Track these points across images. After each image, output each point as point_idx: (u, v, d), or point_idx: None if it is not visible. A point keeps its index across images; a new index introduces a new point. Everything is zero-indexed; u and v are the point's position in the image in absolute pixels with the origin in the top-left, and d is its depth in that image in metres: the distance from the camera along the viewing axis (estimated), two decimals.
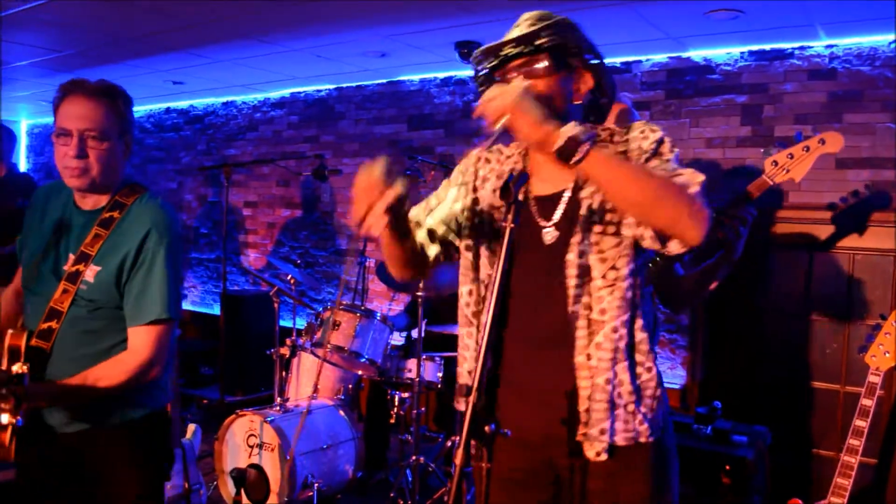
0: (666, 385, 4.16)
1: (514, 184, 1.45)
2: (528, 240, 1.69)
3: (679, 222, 1.50)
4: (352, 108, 5.95)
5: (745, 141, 4.26)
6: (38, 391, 1.88)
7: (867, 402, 2.77)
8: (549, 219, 1.69)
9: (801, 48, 4.13)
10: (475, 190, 1.83)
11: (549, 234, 1.69)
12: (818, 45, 4.08)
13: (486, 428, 1.40)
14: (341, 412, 3.92)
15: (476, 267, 1.78)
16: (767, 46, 4.22)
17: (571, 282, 1.64)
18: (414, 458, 3.73)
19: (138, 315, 1.97)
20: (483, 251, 1.78)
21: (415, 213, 1.87)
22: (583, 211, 1.66)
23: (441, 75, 5.45)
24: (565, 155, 1.46)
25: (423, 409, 3.93)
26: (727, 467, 2.87)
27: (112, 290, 1.98)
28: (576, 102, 1.72)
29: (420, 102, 5.56)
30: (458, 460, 1.37)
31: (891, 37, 3.88)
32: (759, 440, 3.00)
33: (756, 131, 4.23)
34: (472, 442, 1.38)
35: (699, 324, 4.38)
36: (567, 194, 1.69)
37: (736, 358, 4.30)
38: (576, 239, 1.65)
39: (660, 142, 1.64)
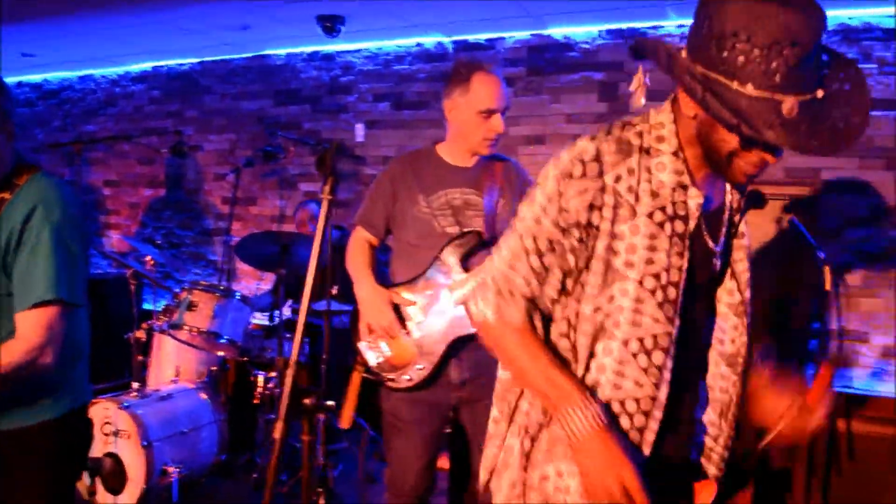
0: None
1: (334, 154, 1.43)
2: (701, 260, 1.47)
3: None
4: (216, 82, 5.76)
5: (603, 117, 4.40)
6: None
7: None
8: (716, 240, 1.49)
9: (654, 27, 4.30)
10: (614, 237, 1.38)
11: (718, 262, 1.52)
12: (670, 25, 4.25)
13: (307, 401, 1.40)
14: (203, 395, 3.81)
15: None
16: (623, 25, 4.36)
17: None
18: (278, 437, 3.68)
19: (23, 298, 1.81)
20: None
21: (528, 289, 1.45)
22: (745, 242, 1.55)
23: (308, 50, 5.34)
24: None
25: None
26: None
27: (0, 275, 1.83)
28: None
29: (287, 77, 5.44)
30: (277, 434, 1.37)
31: None
32: None
33: (612, 107, 4.38)
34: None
35: None
36: (726, 213, 1.53)
37: None
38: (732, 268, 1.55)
39: None
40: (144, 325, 3.78)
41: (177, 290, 3.79)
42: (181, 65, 5.94)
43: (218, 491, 3.79)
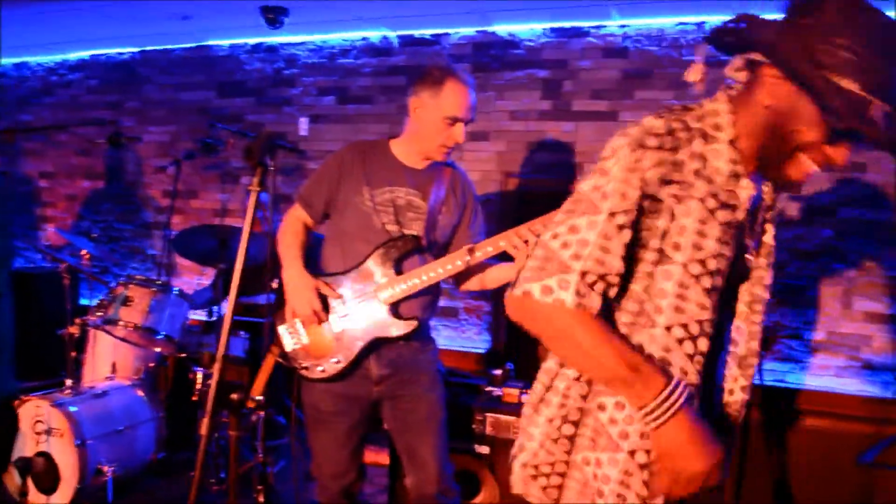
0: (471, 350, 4.28)
1: (262, 144, 1.40)
2: (739, 254, 1.48)
3: None
4: (157, 72, 5.63)
5: (546, 114, 4.44)
6: None
7: None
8: (752, 237, 1.51)
9: (598, 27, 4.35)
10: (672, 217, 1.37)
11: (750, 259, 1.54)
12: (612, 25, 4.31)
13: (234, 396, 1.38)
14: (140, 392, 3.74)
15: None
16: (567, 24, 4.40)
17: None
18: (217, 434, 3.64)
19: None
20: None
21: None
22: (769, 240, 1.56)
23: (251, 41, 5.26)
24: None
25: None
26: (516, 423, 3.01)
27: None
28: None
29: (230, 69, 5.35)
30: (203, 430, 1.35)
31: (676, 19, 4.16)
32: None
33: (555, 105, 4.42)
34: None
35: (504, 290, 4.55)
36: (761, 213, 1.54)
37: None
38: (758, 275, 1.57)
39: None
40: (78, 321, 3.69)
41: (113, 284, 3.70)
42: (121, 54, 5.79)
43: (156, 490, 3.72)
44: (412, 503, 2.60)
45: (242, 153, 1.35)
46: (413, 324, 2.43)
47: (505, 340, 4.54)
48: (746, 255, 1.50)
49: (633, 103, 4.27)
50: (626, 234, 1.33)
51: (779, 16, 1.32)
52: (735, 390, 1.59)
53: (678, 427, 1.31)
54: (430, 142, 2.45)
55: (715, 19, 4.06)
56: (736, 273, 1.46)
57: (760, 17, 1.33)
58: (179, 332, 3.66)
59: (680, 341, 1.37)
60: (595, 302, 1.33)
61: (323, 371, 2.46)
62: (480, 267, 2.53)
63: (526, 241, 2.30)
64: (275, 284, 3.61)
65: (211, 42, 5.39)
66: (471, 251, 2.40)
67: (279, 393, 4.13)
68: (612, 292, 1.36)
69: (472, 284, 2.65)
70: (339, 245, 2.54)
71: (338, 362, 2.44)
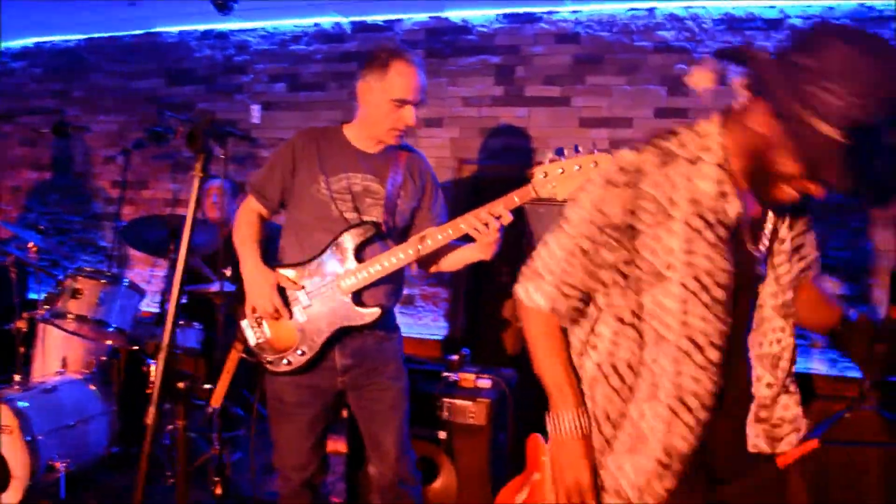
0: (429, 336, 4.27)
1: (204, 129, 1.37)
2: (743, 264, 1.56)
3: None
4: (105, 60, 5.51)
5: (499, 100, 4.45)
6: None
7: None
8: (757, 245, 1.60)
9: (549, 13, 4.37)
10: (658, 240, 1.52)
11: (762, 266, 1.63)
12: (564, 11, 4.33)
13: (180, 385, 1.37)
14: (91, 386, 3.67)
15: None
16: (519, 10, 4.41)
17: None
18: (171, 427, 3.60)
19: None
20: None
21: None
22: (786, 247, 1.62)
23: (201, 28, 5.18)
24: None
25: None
26: (471, 407, 3.03)
27: None
28: None
29: (179, 56, 5.26)
30: (149, 420, 1.34)
31: (627, 5, 4.20)
32: (505, 382, 3.19)
33: (508, 91, 4.44)
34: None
35: (460, 277, 4.57)
36: (769, 224, 1.62)
37: (494, 308, 4.54)
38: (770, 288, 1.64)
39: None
40: (25, 315, 3.60)
41: (61, 277, 3.62)
42: (66, 41, 5.65)
43: (109, 484, 3.66)
44: (375, 492, 2.59)
45: (186, 139, 1.32)
46: (376, 311, 2.40)
47: (462, 327, 4.56)
48: (755, 265, 1.58)
49: (585, 88, 4.30)
50: (593, 257, 1.54)
51: (782, 48, 1.36)
52: (763, 388, 1.64)
53: (558, 443, 1.60)
54: (381, 126, 2.42)
55: (664, 6, 4.11)
56: (743, 282, 1.54)
57: (761, 50, 1.39)
58: (131, 325, 3.59)
59: (689, 353, 1.49)
60: (562, 311, 1.60)
61: (288, 364, 2.44)
62: (445, 249, 2.49)
63: (486, 224, 2.29)
64: (227, 272, 3.59)
65: (159, 29, 5.29)
66: (422, 239, 2.39)
67: (236, 385, 4.09)
68: (581, 305, 1.61)
69: (436, 267, 2.62)
70: (296, 235, 2.51)
71: (302, 354, 2.42)
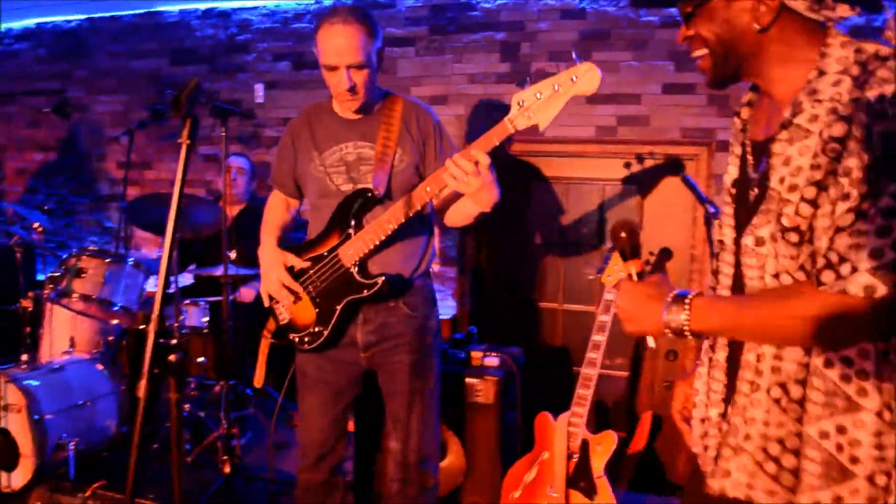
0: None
1: (188, 94, 1.34)
2: (742, 195, 1.40)
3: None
4: (107, 41, 5.47)
5: (504, 77, 4.40)
6: None
7: (604, 319, 3.01)
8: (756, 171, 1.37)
9: None
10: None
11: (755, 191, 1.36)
12: None
13: (172, 357, 1.37)
14: (99, 366, 3.69)
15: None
16: None
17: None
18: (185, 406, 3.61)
19: None
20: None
21: None
22: (773, 182, 1.28)
23: (202, 6, 5.13)
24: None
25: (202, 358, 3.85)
26: (478, 385, 3.02)
27: None
28: (760, 28, 1.28)
29: (181, 36, 5.22)
30: (140, 393, 1.34)
31: None
32: (512, 360, 3.18)
33: (513, 68, 4.39)
34: None
35: (467, 256, 4.56)
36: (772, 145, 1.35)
37: (502, 287, 4.54)
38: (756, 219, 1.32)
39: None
40: (31, 294, 3.61)
41: (64, 256, 3.62)
42: (68, 22, 5.61)
43: (119, 463, 3.68)
44: (394, 466, 2.55)
45: (171, 104, 1.29)
46: (379, 280, 2.35)
47: (470, 306, 4.56)
48: (750, 189, 1.41)
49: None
50: None
51: None
52: None
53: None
54: (332, 94, 2.39)
55: None
56: (743, 205, 1.42)
57: None
58: (137, 304, 3.60)
59: None
60: None
61: (310, 341, 2.44)
62: (451, 201, 2.43)
63: (466, 173, 2.08)
64: (232, 255, 3.58)
65: (160, 8, 5.24)
66: (408, 199, 2.25)
67: (245, 366, 4.10)
68: None
69: (449, 221, 2.53)
70: (311, 215, 2.53)
71: (320, 330, 2.42)
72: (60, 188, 5.73)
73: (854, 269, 1.13)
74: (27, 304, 3.57)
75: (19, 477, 3.28)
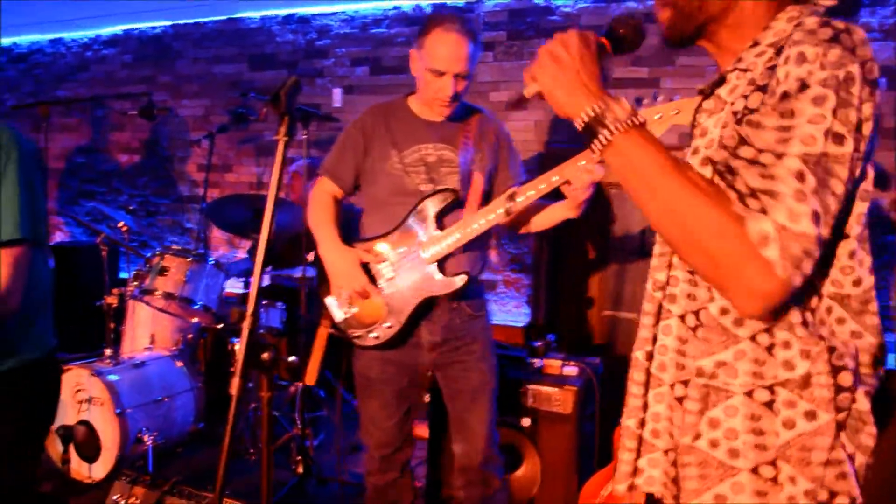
0: (511, 323, 4.21)
1: (288, 91, 1.33)
2: None
3: (715, 278, 1.05)
4: (189, 46, 5.62)
5: None
6: None
7: None
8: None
9: None
10: None
11: None
12: None
13: (265, 355, 1.36)
14: (178, 363, 3.75)
15: None
16: None
17: None
18: (253, 405, 3.66)
19: None
20: None
21: None
22: (688, 155, 1.23)
23: (283, 13, 5.22)
24: (587, 138, 1.13)
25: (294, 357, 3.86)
26: (556, 395, 2.95)
27: None
28: None
29: (261, 41, 5.32)
30: (233, 390, 1.33)
31: None
32: (591, 370, 3.10)
33: None
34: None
35: (542, 263, 4.48)
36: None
37: (578, 295, 4.45)
38: None
39: (802, 87, 1.00)
40: (115, 291, 3.70)
41: (148, 254, 3.71)
42: (153, 28, 5.79)
43: (195, 459, 3.74)
44: (458, 470, 2.56)
45: (270, 100, 1.28)
46: (463, 278, 2.34)
47: (545, 314, 4.48)
48: None
49: (674, 70, 4.15)
50: None
51: None
52: None
53: None
54: (425, 95, 2.37)
55: None
56: None
57: None
58: (216, 303, 3.65)
59: None
60: None
61: (377, 338, 2.41)
62: (533, 209, 2.42)
63: (581, 177, 2.14)
64: (310, 257, 3.60)
65: (242, 14, 5.35)
66: (511, 197, 2.28)
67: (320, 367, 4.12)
68: None
69: (526, 227, 2.54)
70: (376, 212, 2.48)
71: (390, 327, 2.39)
72: (143, 189, 5.90)
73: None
74: (112, 300, 3.66)
75: (100, 468, 3.36)
